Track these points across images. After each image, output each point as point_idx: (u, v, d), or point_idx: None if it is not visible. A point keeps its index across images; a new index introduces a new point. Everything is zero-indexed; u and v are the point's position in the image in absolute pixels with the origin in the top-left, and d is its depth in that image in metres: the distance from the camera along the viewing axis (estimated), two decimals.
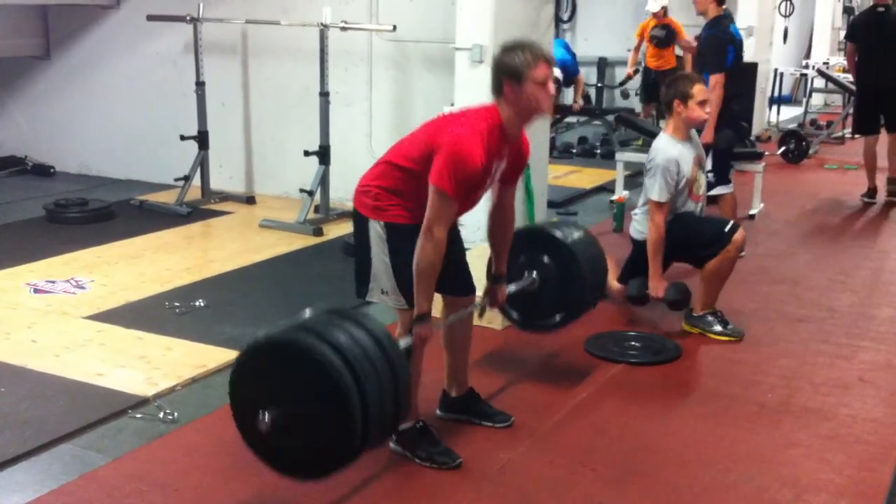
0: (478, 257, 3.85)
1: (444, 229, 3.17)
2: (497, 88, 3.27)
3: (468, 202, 3.35)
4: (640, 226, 4.93)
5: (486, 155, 3.19)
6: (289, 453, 2.85)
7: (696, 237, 4.79)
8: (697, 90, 4.74)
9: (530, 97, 3.23)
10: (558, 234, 4.01)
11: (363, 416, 2.70)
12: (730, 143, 6.21)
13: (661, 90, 4.99)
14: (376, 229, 3.32)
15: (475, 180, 3.21)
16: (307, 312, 2.93)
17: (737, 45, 6.20)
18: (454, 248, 3.47)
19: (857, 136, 8.93)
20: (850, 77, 9.02)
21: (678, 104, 4.76)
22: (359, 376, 2.69)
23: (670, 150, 4.75)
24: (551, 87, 3.27)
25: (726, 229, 4.75)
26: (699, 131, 5.19)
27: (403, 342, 3.22)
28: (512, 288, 3.84)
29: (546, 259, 3.97)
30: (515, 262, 3.92)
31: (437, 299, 3.47)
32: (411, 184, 3.27)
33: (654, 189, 4.71)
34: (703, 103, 4.76)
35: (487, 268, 3.74)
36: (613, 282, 4.93)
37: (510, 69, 3.22)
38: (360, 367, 2.70)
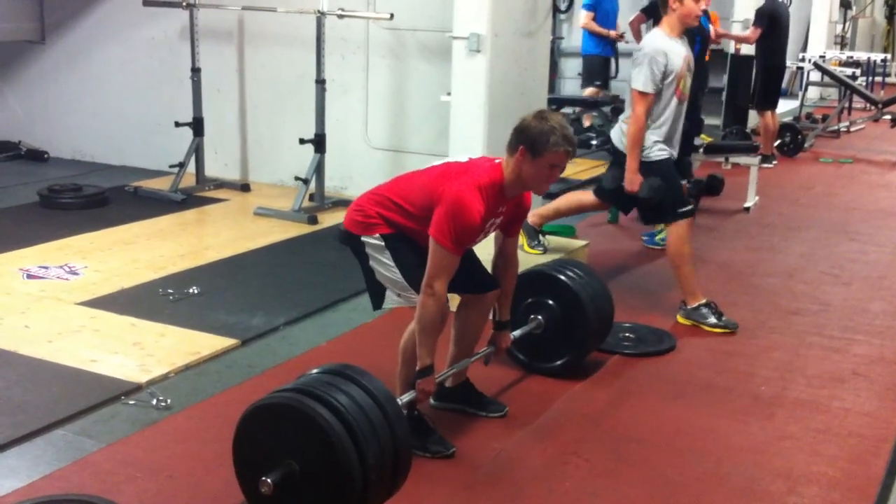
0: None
1: (444, 284, 3.20)
2: (512, 147, 3.27)
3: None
4: (624, 134, 4.81)
5: (486, 212, 3.22)
6: None
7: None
8: None
9: (535, 174, 3.24)
10: (562, 277, 4.04)
11: (363, 479, 2.70)
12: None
13: None
14: (370, 242, 3.36)
15: (474, 234, 3.26)
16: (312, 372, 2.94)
17: (704, 34, 6.17)
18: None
19: (760, 110, 9.53)
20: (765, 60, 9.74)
21: (674, 0, 4.67)
22: (358, 439, 2.69)
23: (661, 42, 4.66)
24: (557, 175, 3.29)
25: (679, 210, 4.74)
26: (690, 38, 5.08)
27: (406, 397, 3.25)
28: (517, 333, 3.88)
29: (551, 302, 4.01)
30: (521, 305, 3.96)
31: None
32: (409, 223, 3.32)
33: (640, 78, 4.62)
34: None
35: (492, 316, 3.72)
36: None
37: (533, 139, 3.21)
38: (358, 428, 2.70)
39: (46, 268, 5.47)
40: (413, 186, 3.35)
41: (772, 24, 9.10)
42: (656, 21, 8.04)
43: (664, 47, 4.63)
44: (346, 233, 3.44)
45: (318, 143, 6.87)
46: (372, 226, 3.35)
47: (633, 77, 4.67)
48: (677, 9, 4.67)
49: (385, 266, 3.37)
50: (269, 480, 2.72)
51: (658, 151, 4.70)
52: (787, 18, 9.39)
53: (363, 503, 2.75)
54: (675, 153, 4.81)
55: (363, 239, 3.38)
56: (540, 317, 4.01)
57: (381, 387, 2.88)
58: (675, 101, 4.70)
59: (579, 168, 8.99)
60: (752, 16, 10.99)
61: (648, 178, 4.69)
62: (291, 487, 2.74)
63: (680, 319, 4.85)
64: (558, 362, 4.09)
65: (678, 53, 4.68)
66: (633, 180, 4.69)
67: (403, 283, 3.35)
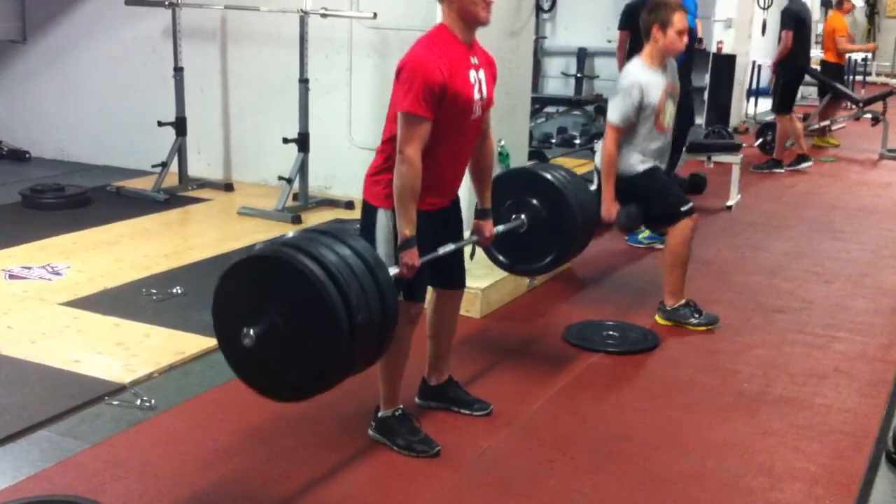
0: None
1: (416, 150, 3.13)
2: None
3: (459, 128, 3.29)
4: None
5: (446, 63, 3.17)
6: (272, 372, 2.80)
7: (657, 198, 4.71)
8: (678, 18, 4.58)
9: (466, 2, 3.23)
10: (547, 175, 3.97)
11: (349, 333, 2.65)
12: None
13: (641, 16, 4.74)
14: (384, 218, 3.28)
15: (444, 89, 3.14)
16: (290, 233, 2.92)
17: (692, 33, 6.20)
18: (455, 239, 3.49)
19: (781, 113, 9.44)
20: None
21: (657, 30, 4.60)
22: (345, 292, 2.65)
23: (638, 74, 4.61)
24: None
25: (683, 209, 4.70)
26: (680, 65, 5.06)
27: (392, 270, 3.11)
28: (500, 228, 3.79)
29: (534, 201, 3.92)
30: (503, 206, 3.88)
31: (428, 291, 3.50)
32: None
33: (613, 110, 4.60)
34: (681, 33, 4.60)
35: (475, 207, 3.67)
36: None
37: None
38: (346, 283, 2.66)
39: (29, 268, 5.44)
40: (389, 115, 3.28)
41: (797, 26, 9.06)
42: (634, 33, 8.05)
43: (641, 80, 4.57)
44: (365, 203, 3.35)
45: (302, 142, 6.86)
46: (390, 197, 3.21)
47: (609, 108, 4.69)
48: (659, 39, 4.60)
49: (387, 250, 3.27)
50: (251, 332, 2.66)
51: (641, 164, 4.69)
52: (811, 20, 9.37)
53: (349, 357, 2.70)
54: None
55: (379, 212, 3.27)
56: (523, 216, 3.92)
57: (368, 248, 2.87)
58: (656, 132, 4.66)
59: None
60: (734, 15, 11.09)
61: (625, 206, 4.67)
62: (274, 341, 2.69)
63: (658, 320, 4.85)
64: (545, 261, 4.02)
65: (657, 86, 4.61)
66: (609, 210, 4.66)
67: (396, 275, 3.28)
